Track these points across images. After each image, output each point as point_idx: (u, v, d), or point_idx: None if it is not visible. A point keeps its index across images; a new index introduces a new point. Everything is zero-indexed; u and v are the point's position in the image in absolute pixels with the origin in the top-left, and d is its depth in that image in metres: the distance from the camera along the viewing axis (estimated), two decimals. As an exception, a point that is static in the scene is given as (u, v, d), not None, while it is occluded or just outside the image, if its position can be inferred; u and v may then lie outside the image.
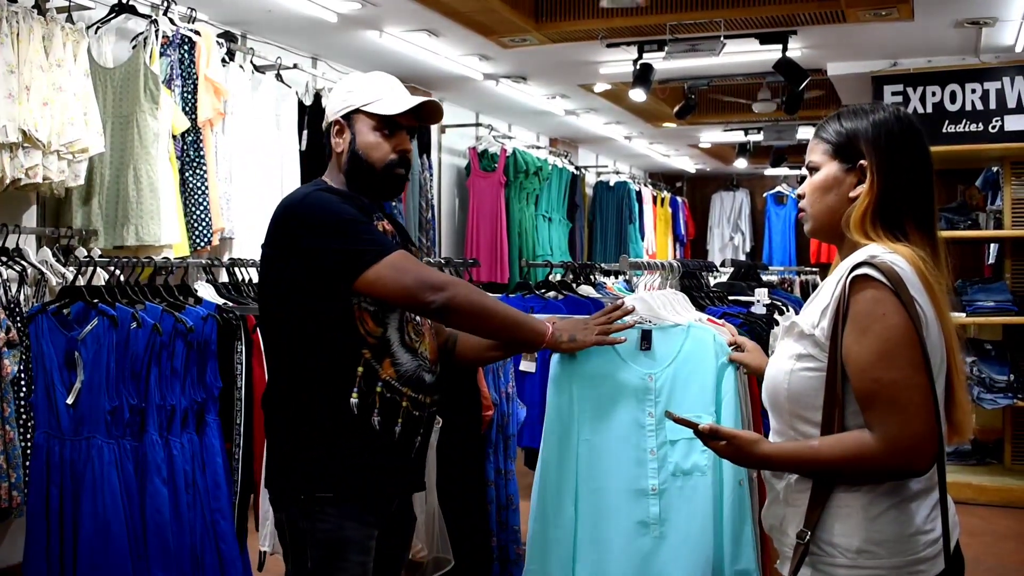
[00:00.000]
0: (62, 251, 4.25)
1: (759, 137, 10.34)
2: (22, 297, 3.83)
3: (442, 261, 4.13)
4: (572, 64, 7.22)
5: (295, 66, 5.94)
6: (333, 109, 2.53)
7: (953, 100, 6.56)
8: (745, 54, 6.70)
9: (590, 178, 11.44)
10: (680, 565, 2.51)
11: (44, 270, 3.97)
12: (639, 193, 11.74)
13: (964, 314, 6.15)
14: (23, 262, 3.91)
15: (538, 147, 9.70)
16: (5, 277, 3.81)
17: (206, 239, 4.88)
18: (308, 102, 6.00)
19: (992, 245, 7.42)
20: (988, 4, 5.57)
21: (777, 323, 3.61)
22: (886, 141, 1.92)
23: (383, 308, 2.37)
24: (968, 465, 6.53)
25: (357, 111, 2.48)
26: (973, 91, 6.52)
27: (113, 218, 4.44)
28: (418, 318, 2.47)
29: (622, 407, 2.58)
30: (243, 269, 4.29)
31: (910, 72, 6.73)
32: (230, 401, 3.58)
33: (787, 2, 5.77)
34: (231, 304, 3.79)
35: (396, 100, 2.49)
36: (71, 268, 3.87)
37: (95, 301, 3.34)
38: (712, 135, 11.00)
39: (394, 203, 6.50)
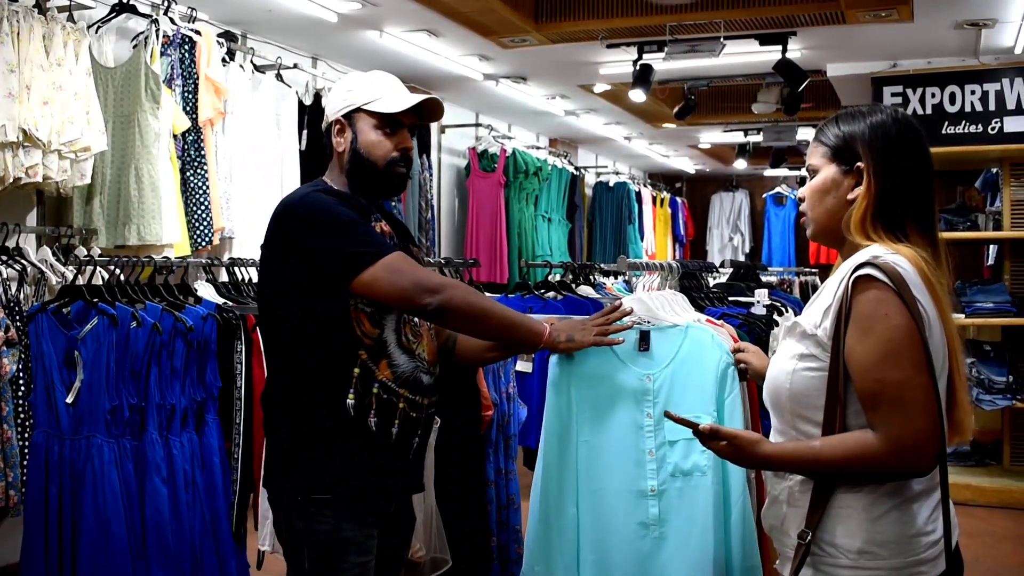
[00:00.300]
0: (62, 250, 4.25)
1: (759, 138, 10.34)
2: (22, 296, 3.83)
3: (442, 261, 4.13)
4: (572, 64, 7.22)
5: (295, 66, 5.95)
6: (333, 108, 2.53)
7: (952, 101, 6.57)
8: (745, 55, 6.71)
9: (590, 178, 11.44)
10: (681, 566, 2.51)
11: (44, 269, 3.97)
12: (639, 194, 11.74)
13: (963, 315, 6.16)
14: (23, 261, 3.91)
15: (538, 147, 9.70)
16: (5, 276, 3.81)
17: (207, 239, 4.88)
18: (308, 102, 6.01)
19: (991, 246, 7.42)
20: (988, 5, 5.57)
21: (776, 324, 3.61)
22: (882, 143, 1.93)
23: (380, 309, 2.38)
24: (967, 466, 6.53)
25: (358, 110, 2.49)
26: (972, 92, 6.52)
27: (115, 217, 4.44)
28: (416, 319, 2.47)
29: (620, 408, 2.58)
30: (243, 269, 4.29)
31: (910, 73, 6.73)
32: (230, 400, 3.58)
33: (787, 3, 5.77)
34: (231, 304, 3.79)
35: (397, 98, 2.49)
36: (71, 267, 3.88)
37: (95, 300, 3.35)
38: (712, 136, 11.01)
39: (394, 203, 6.51)
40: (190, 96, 4.89)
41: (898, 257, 1.83)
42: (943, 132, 6.52)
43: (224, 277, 4.35)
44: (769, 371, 2.00)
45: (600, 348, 2.59)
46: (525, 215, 8.80)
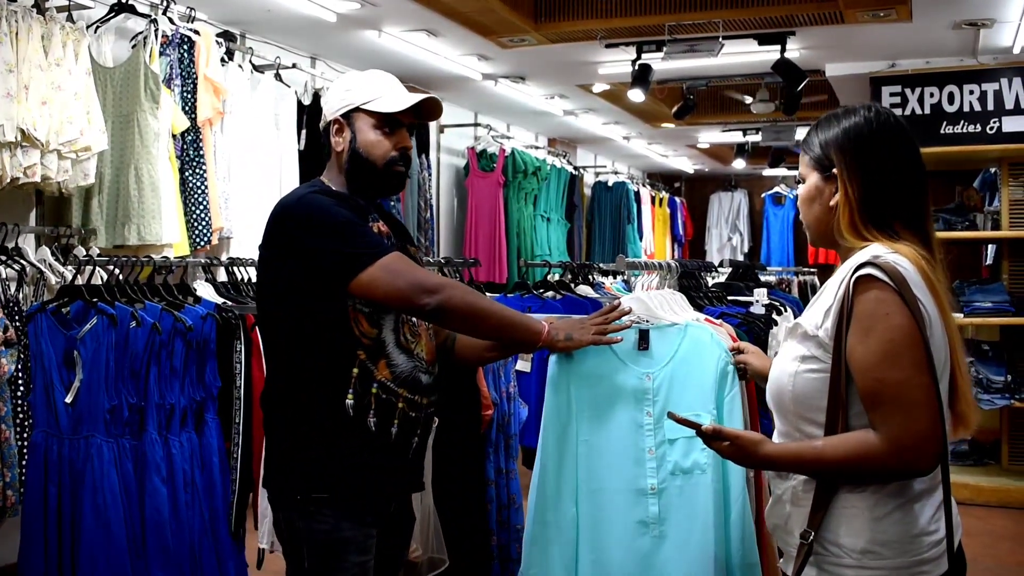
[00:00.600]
0: (61, 250, 4.25)
1: (757, 138, 10.35)
2: (21, 296, 3.83)
3: (442, 261, 4.13)
4: (571, 64, 7.22)
5: (294, 66, 5.95)
6: (331, 108, 2.53)
7: (951, 101, 6.57)
8: (743, 55, 6.71)
9: (588, 178, 11.44)
10: (681, 564, 2.51)
11: (43, 269, 3.97)
12: (637, 193, 11.75)
13: (962, 315, 6.16)
14: (22, 261, 3.91)
15: (537, 147, 9.70)
16: (4, 276, 3.81)
17: (206, 238, 4.88)
18: (307, 102, 6.01)
19: (990, 246, 7.43)
20: (986, 5, 5.58)
21: (775, 323, 3.62)
22: (854, 146, 1.93)
23: (378, 309, 2.38)
24: (965, 465, 6.54)
25: (357, 109, 2.49)
26: (971, 92, 6.53)
27: (114, 217, 4.44)
28: (414, 319, 2.47)
29: (620, 407, 2.59)
30: (242, 268, 4.29)
31: (908, 73, 6.73)
32: (229, 400, 3.58)
33: (785, 3, 5.78)
34: (230, 303, 3.79)
35: (396, 97, 2.50)
36: (70, 267, 3.88)
37: (94, 300, 3.35)
38: (710, 135, 11.02)
39: (392, 202, 6.51)
40: (189, 96, 4.89)
41: (898, 256, 1.83)
42: (941, 132, 6.53)
43: (223, 277, 4.35)
44: (772, 373, 2.00)
45: (599, 347, 2.59)
46: (524, 215, 8.80)
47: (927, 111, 6.58)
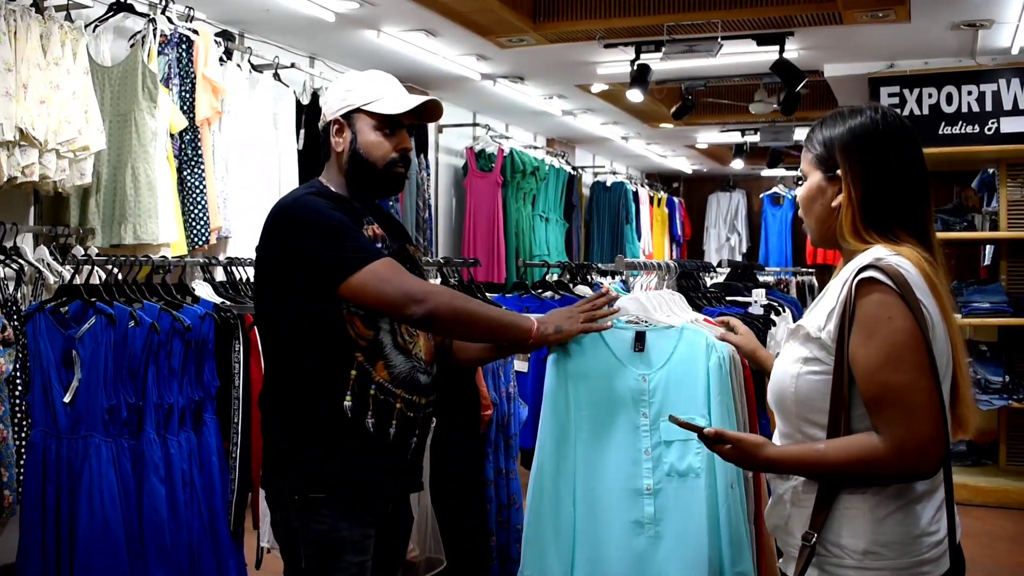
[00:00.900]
0: (59, 249, 4.24)
1: (756, 138, 10.36)
2: (19, 295, 3.83)
3: (441, 261, 4.13)
4: (569, 64, 7.22)
5: (293, 65, 5.94)
6: (331, 108, 2.52)
7: (949, 102, 6.57)
8: (742, 55, 6.71)
9: (587, 178, 11.45)
10: (676, 566, 2.51)
11: (41, 268, 3.97)
12: (636, 193, 11.75)
13: (960, 315, 6.17)
14: (20, 260, 3.91)
15: (535, 147, 9.70)
16: (2, 275, 3.81)
17: (204, 238, 4.88)
18: (306, 101, 6.01)
19: (988, 246, 7.44)
20: (984, 6, 5.58)
21: (774, 324, 3.62)
22: (860, 147, 1.91)
23: (373, 312, 2.38)
24: (963, 466, 6.55)
25: (357, 110, 2.49)
26: (969, 93, 6.54)
27: (111, 216, 4.44)
28: None
29: (617, 407, 2.59)
30: (240, 268, 4.29)
31: (907, 74, 6.74)
32: (227, 400, 3.58)
33: (784, 3, 5.78)
34: (229, 303, 3.79)
35: (397, 99, 2.50)
36: (68, 266, 3.87)
37: (93, 300, 3.34)
38: (709, 136, 11.02)
39: (391, 202, 6.51)
40: (187, 95, 4.89)
41: (901, 259, 1.83)
42: (940, 132, 6.54)
43: (221, 276, 4.35)
44: (773, 374, 2.00)
45: (597, 347, 2.60)
46: (522, 215, 8.80)
47: (925, 112, 6.58)
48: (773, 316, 3.80)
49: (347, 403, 2.36)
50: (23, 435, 3.50)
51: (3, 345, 3.44)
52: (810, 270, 8.91)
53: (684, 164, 13.42)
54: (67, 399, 3.26)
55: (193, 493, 3.41)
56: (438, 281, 4.19)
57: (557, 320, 2.52)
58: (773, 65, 6.40)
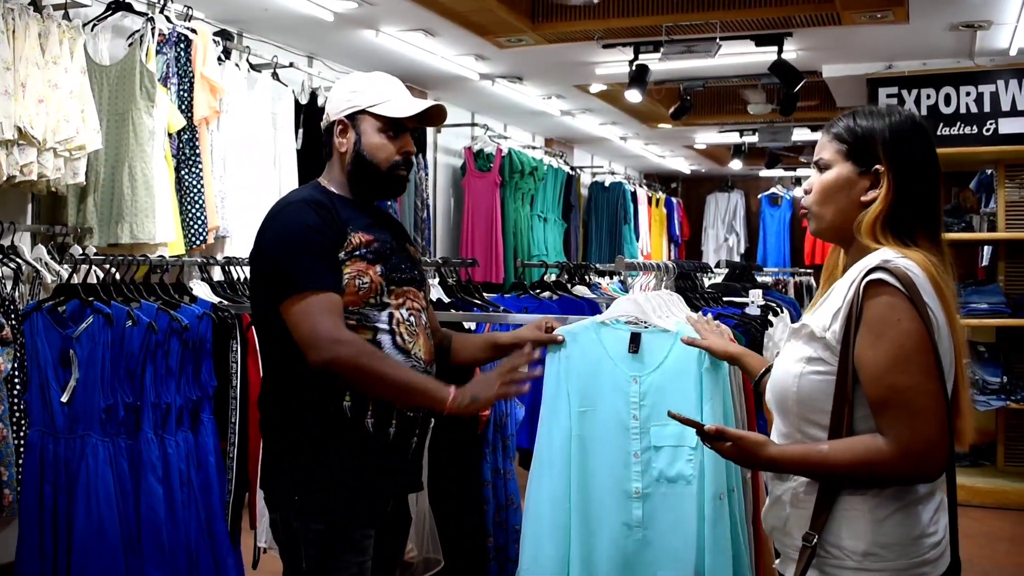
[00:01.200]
0: (57, 249, 4.24)
1: (754, 139, 10.36)
2: (17, 295, 3.83)
3: (439, 261, 4.13)
4: (568, 65, 7.22)
5: (291, 65, 5.94)
6: (336, 108, 2.51)
7: (948, 103, 6.57)
8: (740, 56, 6.71)
9: (585, 178, 11.45)
10: (662, 569, 2.51)
11: (39, 268, 3.97)
12: (634, 194, 11.75)
13: (958, 316, 6.16)
14: (18, 259, 3.90)
15: (534, 147, 9.70)
16: (0, 275, 3.81)
17: (201, 237, 4.87)
18: (304, 101, 6.00)
19: (986, 247, 7.44)
20: (983, 7, 5.58)
21: (771, 324, 3.62)
22: (904, 148, 1.90)
23: (366, 316, 2.38)
24: (961, 467, 6.54)
25: (362, 112, 2.48)
26: (968, 94, 6.53)
27: (108, 216, 4.43)
28: (411, 319, 2.47)
29: (609, 408, 2.59)
30: (238, 268, 4.29)
31: (905, 75, 6.74)
32: (225, 400, 3.58)
33: (782, 4, 5.78)
34: (226, 303, 3.79)
35: (403, 102, 2.49)
36: (66, 266, 3.87)
37: (90, 299, 3.34)
38: (707, 136, 11.02)
39: (389, 202, 6.50)
40: (185, 94, 4.88)
41: (909, 262, 1.82)
42: (938, 133, 6.53)
43: (219, 276, 4.35)
44: (774, 373, 1.99)
45: (592, 345, 2.60)
46: (521, 215, 8.80)
47: (924, 112, 6.58)
48: (771, 317, 3.79)
49: (347, 403, 2.36)
50: (22, 434, 3.50)
51: (1, 344, 3.44)
52: (808, 270, 8.91)
53: (682, 164, 13.42)
54: (64, 398, 3.26)
55: (190, 493, 3.40)
56: (436, 281, 4.19)
57: (475, 389, 2.40)
58: (771, 66, 6.40)
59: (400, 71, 6.98)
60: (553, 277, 5.19)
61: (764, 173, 13.12)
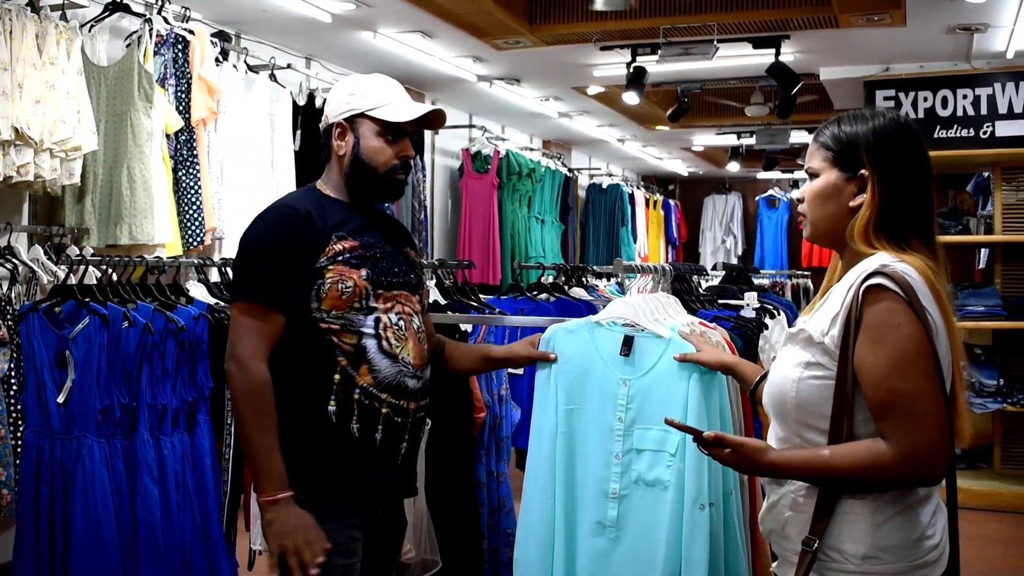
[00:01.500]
0: (54, 249, 4.24)
1: (751, 141, 10.36)
2: (13, 295, 3.82)
3: (435, 263, 4.13)
4: (565, 66, 7.22)
5: (289, 66, 5.94)
6: (335, 111, 2.51)
7: (945, 105, 6.58)
8: (738, 58, 6.72)
9: (583, 180, 11.45)
10: (630, 571, 2.52)
11: (35, 268, 3.96)
12: (632, 196, 11.75)
13: (955, 319, 6.17)
14: (14, 260, 3.90)
15: (531, 149, 9.70)
16: (-4, 275, 3.81)
17: (199, 239, 4.87)
18: (302, 102, 6.00)
19: (983, 250, 7.45)
20: (980, 10, 5.59)
21: (766, 327, 3.62)
22: (888, 151, 1.91)
23: (351, 321, 2.38)
24: (958, 469, 6.46)
25: (361, 115, 2.48)
26: (965, 97, 6.54)
27: (106, 217, 4.43)
28: (401, 323, 2.46)
29: (596, 407, 2.60)
30: (235, 269, 4.28)
31: (902, 77, 6.74)
32: (221, 401, 3.58)
33: (780, 7, 5.79)
34: (223, 304, 3.79)
35: (403, 106, 2.49)
36: (62, 266, 3.87)
37: (86, 300, 3.34)
38: (705, 138, 11.02)
39: (387, 204, 6.50)
40: (183, 96, 4.88)
41: (906, 266, 1.83)
42: (935, 136, 6.54)
43: (216, 277, 4.34)
44: (771, 378, 1.99)
45: (585, 344, 2.63)
46: (518, 217, 8.80)
47: (921, 115, 6.59)
48: (768, 319, 3.79)
49: (331, 408, 2.36)
50: (19, 435, 3.50)
51: (-2, 345, 3.44)
52: (805, 273, 8.91)
53: (680, 166, 13.43)
54: (61, 399, 3.26)
55: (186, 494, 3.41)
56: (433, 283, 4.19)
57: (290, 521, 2.30)
58: (769, 68, 6.41)
59: (398, 73, 6.97)
60: (550, 279, 5.20)
61: (762, 175, 13.13)
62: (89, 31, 4.56)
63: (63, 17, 4.24)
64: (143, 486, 3.30)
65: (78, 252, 4.17)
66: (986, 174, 7.22)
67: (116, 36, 4.81)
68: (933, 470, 1.79)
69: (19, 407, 3.51)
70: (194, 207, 4.87)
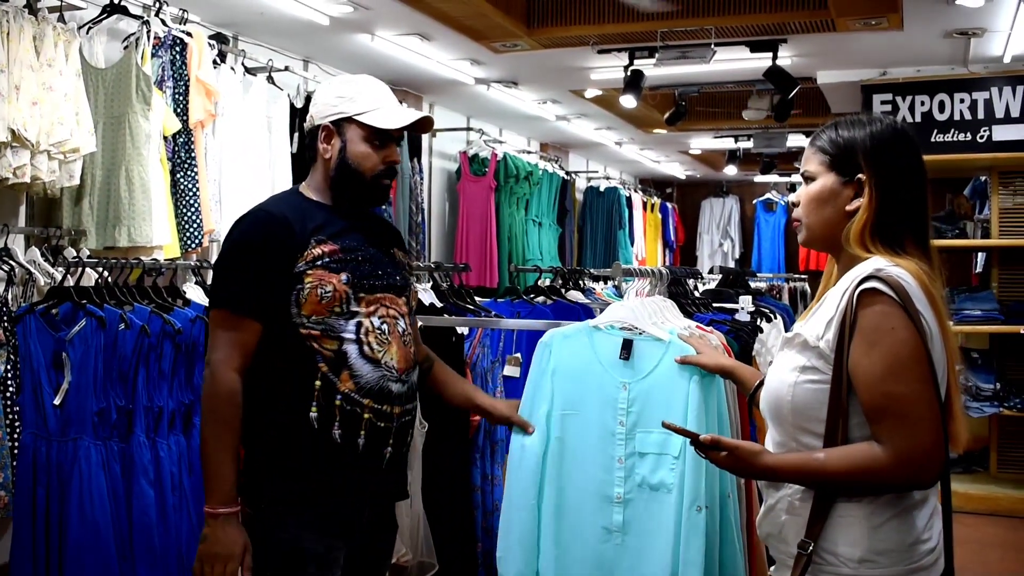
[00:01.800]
0: (51, 251, 4.24)
1: (749, 144, 10.36)
2: (10, 297, 3.82)
3: (432, 265, 4.13)
4: (563, 70, 7.22)
5: (287, 68, 5.94)
6: (322, 113, 2.50)
7: (942, 110, 6.59)
8: (735, 62, 6.72)
9: (580, 183, 11.45)
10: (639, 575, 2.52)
11: (32, 270, 3.96)
12: (629, 199, 11.75)
13: (951, 323, 6.17)
14: (11, 262, 3.90)
15: (529, 152, 9.70)
16: (-7, 277, 3.80)
17: (197, 240, 4.87)
18: (300, 105, 6.00)
19: (980, 254, 7.46)
20: (977, 15, 5.60)
21: (761, 330, 3.62)
22: (886, 156, 1.92)
23: (332, 326, 2.37)
24: (954, 473, 6.54)
25: (349, 119, 2.47)
26: (962, 101, 6.56)
27: (104, 219, 4.43)
28: (384, 327, 2.44)
29: (595, 412, 2.59)
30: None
31: (899, 81, 6.76)
32: (218, 403, 3.57)
33: (778, 11, 5.79)
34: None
35: (391, 113, 2.48)
36: (59, 268, 3.87)
37: (83, 302, 3.34)
38: (702, 142, 11.03)
39: (384, 206, 6.51)
40: (181, 98, 4.88)
41: (901, 270, 1.83)
42: (932, 140, 6.55)
43: (213, 279, 4.34)
44: (768, 382, 1.99)
45: (583, 348, 2.62)
46: (515, 219, 8.80)
47: (918, 119, 6.60)
48: (764, 323, 3.80)
49: (313, 414, 2.35)
50: (15, 436, 3.50)
51: (-6, 347, 3.44)
52: (802, 276, 8.92)
53: (677, 170, 13.43)
54: (57, 401, 3.26)
55: (182, 496, 3.40)
56: (429, 285, 4.19)
57: (227, 539, 2.29)
58: (766, 72, 6.41)
59: (395, 75, 7.01)
60: (547, 282, 5.19)
61: (759, 179, 13.12)
62: (87, 33, 4.56)
63: (61, 19, 4.24)
64: (139, 488, 3.29)
65: (75, 254, 4.17)
66: (983, 178, 7.23)
67: (114, 38, 4.81)
68: (927, 474, 1.80)
69: (16, 409, 3.51)
70: (192, 209, 4.87)
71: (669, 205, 13.78)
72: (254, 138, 5.43)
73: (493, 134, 9.22)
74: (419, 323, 3.42)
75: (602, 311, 2.80)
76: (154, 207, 4.47)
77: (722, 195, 14.37)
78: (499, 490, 3.58)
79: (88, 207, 4.41)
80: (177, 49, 4.86)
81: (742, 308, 3.79)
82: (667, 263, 13.02)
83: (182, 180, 4.86)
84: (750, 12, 5.85)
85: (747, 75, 7.27)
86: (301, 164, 5.69)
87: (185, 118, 4.87)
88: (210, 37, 5.24)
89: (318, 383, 2.35)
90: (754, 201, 13.76)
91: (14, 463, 3.47)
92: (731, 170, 11.76)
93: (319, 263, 2.38)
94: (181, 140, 4.86)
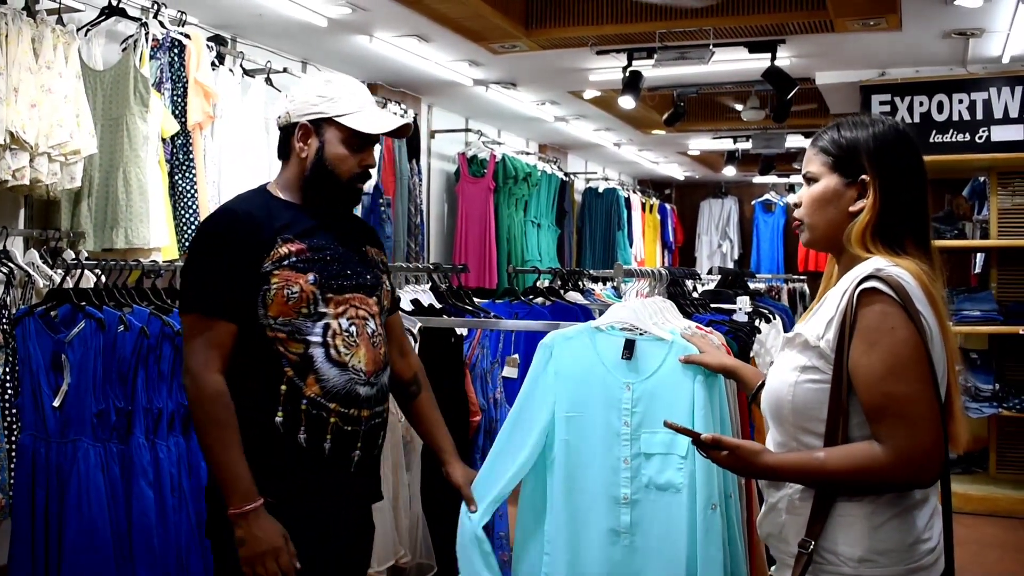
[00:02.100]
0: (50, 253, 4.24)
1: (748, 145, 10.37)
2: (9, 299, 3.82)
3: (431, 266, 4.13)
4: (562, 71, 7.23)
5: (285, 70, 5.94)
6: (300, 111, 2.44)
7: (940, 110, 6.59)
8: (734, 62, 6.73)
9: (579, 184, 11.45)
10: None
11: (31, 272, 3.96)
12: (628, 200, 11.76)
13: (951, 323, 6.18)
14: (10, 264, 3.90)
15: (527, 153, 9.70)
16: (-8, 279, 3.80)
17: (194, 242, 4.87)
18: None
19: (979, 254, 7.46)
20: (975, 15, 5.60)
21: (759, 331, 3.62)
22: (888, 157, 1.93)
23: (298, 328, 2.34)
24: (953, 474, 6.52)
25: (329, 120, 2.43)
26: (960, 101, 6.56)
27: (102, 221, 4.43)
28: (352, 328, 2.40)
29: (600, 412, 2.58)
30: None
31: (898, 82, 6.76)
32: (217, 405, 3.57)
33: (776, 11, 5.79)
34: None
35: (372, 117, 2.45)
36: (58, 270, 3.87)
37: (82, 304, 3.34)
38: (701, 142, 11.03)
39: (383, 207, 6.52)
40: (179, 100, 4.88)
41: (901, 270, 1.84)
42: (931, 141, 6.55)
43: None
44: (769, 382, 2.00)
45: (585, 349, 2.61)
46: (514, 220, 8.81)
47: (916, 120, 6.61)
48: (763, 324, 3.80)
49: (278, 419, 2.33)
50: (14, 438, 3.50)
51: (-7, 349, 3.44)
52: (801, 277, 8.93)
53: (676, 171, 13.44)
54: (56, 403, 3.26)
55: (181, 498, 3.40)
56: (427, 286, 4.19)
57: (265, 533, 2.27)
58: (765, 72, 6.41)
59: (393, 77, 7.02)
60: (546, 283, 5.20)
61: (758, 179, 13.14)
62: (85, 35, 4.56)
63: (59, 21, 4.24)
64: (138, 490, 3.29)
65: (74, 256, 4.17)
66: (982, 179, 7.23)
67: (112, 40, 4.81)
68: (926, 473, 1.80)
69: (15, 411, 3.51)
70: (190, 211, 4.87)
71: (668, 206, 13.79)
72: (252, 140, 5.43)
73: (492, 135, 9.22)
74: (419, 324, 3.43)
75: (601, 312, 2.80)
76: (152, 209, 4.47)
77: (721, 196, 14.38)
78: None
79: (86, 209, 4.41)
80: (175, 51, 4.86)
81: (739, 309, 3.80)
82: (666, 264, 13.02)
83: (180, 182, 4.86)
84: (748, 13, 5.85)
85: (746, 76, 7.27)
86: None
87: (183, 120, 4.87)
88: (208, 39, 5.25)
89: (284, 387, 2.32)
90: (753, 202, 13.77)
91: (12, 465, 3.47)
92: (730, 171, 11.77)
93: (286, 263, 2.34)
94: (179, 142, 4.86)
